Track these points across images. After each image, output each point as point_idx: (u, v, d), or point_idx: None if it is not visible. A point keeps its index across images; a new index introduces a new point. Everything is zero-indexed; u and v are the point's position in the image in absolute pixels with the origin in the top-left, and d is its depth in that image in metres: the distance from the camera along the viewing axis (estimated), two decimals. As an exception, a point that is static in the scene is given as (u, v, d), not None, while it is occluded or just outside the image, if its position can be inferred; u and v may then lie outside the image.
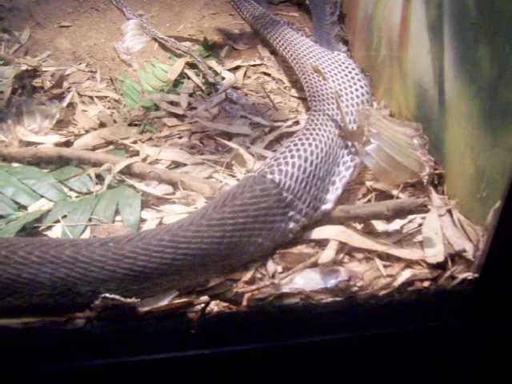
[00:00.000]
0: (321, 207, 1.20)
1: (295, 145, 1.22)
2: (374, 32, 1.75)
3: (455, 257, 1.13)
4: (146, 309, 1.02)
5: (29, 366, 1.00)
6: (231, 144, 1.52)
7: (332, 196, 1.23)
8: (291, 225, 1.15)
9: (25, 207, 1.31)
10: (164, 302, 1.05)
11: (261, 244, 1.12)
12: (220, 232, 1.06)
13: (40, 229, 1.24)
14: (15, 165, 1.44)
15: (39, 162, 1.44)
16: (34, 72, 1.81)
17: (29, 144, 1.51)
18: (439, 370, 1.14)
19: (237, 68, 1.92)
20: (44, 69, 1.85)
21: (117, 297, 0.99)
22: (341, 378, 1.14)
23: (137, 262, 1.03)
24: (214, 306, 1.05)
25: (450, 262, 1.12)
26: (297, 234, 1.18)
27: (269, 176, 1.14)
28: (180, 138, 1.58)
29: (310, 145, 1.22)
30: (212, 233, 1.06)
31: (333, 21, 1.90)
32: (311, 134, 1.25)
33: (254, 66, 1.94)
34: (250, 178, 1.15)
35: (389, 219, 1.20)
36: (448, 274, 1.10)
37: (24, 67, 1.81)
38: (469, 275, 1.09)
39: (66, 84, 1.80)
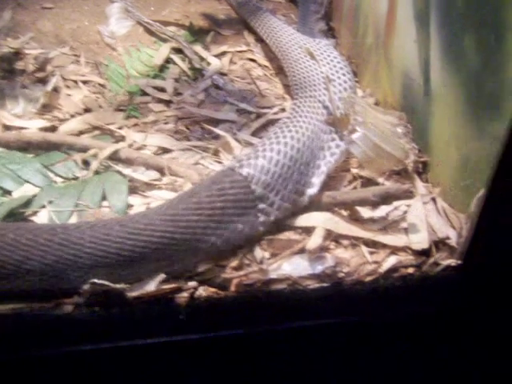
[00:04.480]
0: (306, 191, 1.21)
1: (275, 133, 1.23)
2: (360, 20, 1.75)
3: (439, 244, 1.15)
4: (135, 294, 1.03)
5: (18, 351, 1.00)
6: (218, 131, 1.51)
7: (317, 180, 1.24)
8: (264, 217, 1.14)
9: (9, 192, 1.30)
10: (152, 287, 1.05)
11: (214, 243, 1.10)
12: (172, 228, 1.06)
13: (26, 214, 1.23)
14: (-1, 149, 1.43)
15: (24, 146, 1.42)
16: (17, 55, 1.78)
17: (13, 128, 1.49)
18: (427, 356, 1.17)
19: (223, 54, 1.91)
20: (27, 51, 1.81)
21: (106, 282, 0.99)
22: (329, 362, 1.16)
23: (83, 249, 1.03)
24: (203, 292, 1.05)
25: (434, 249, 1.14)
26: (283, 221, 1.18)
27: (239, 169, 1.13)
28: (166, 123, 1.57)
29: (290, 131, 1.23)
30: (164, 227, 1.05)
31: (317, 18, 1.90)
32: (291, 122, 1.26)
33: (240, 51, 1.93)
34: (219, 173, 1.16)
35: (375, 205, 1.21)
36: (432, 260, 1.12)
37: (6, 49, 1.78)
38: (452, 262, 1.12)
39: (49, 67, 1.76)
